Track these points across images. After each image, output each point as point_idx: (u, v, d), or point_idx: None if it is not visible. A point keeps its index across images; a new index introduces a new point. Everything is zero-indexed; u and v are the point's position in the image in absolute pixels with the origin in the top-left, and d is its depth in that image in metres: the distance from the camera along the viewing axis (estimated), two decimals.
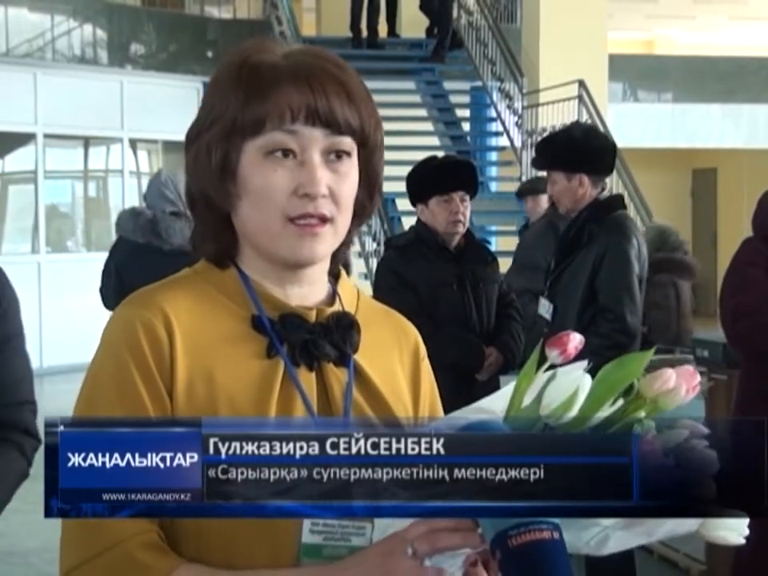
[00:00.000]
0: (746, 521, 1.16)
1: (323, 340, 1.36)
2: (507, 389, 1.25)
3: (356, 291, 1.47)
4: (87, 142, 12.92)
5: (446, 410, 1.37)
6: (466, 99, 12.27)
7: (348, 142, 1.34)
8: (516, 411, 1.20)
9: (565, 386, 1.15)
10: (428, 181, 4.23)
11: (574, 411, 1.14)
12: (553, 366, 1.23)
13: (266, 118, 1.30)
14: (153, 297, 1.33)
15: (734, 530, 1.17)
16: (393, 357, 1.46)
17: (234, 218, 1.36)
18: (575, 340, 1.22)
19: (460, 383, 3.80)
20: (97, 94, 12.28)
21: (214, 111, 1.34)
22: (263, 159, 1.32)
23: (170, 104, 12.36)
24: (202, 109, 1.37)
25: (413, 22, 12.85)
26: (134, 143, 13.06)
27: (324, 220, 1.32)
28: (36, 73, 11.94)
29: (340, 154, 1.33)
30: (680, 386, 1.17)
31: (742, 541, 1.17)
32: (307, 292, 1.39)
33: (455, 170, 4.23)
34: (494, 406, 1.26)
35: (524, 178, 10.99)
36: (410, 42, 13.01)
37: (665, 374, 1.17)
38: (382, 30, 12.52)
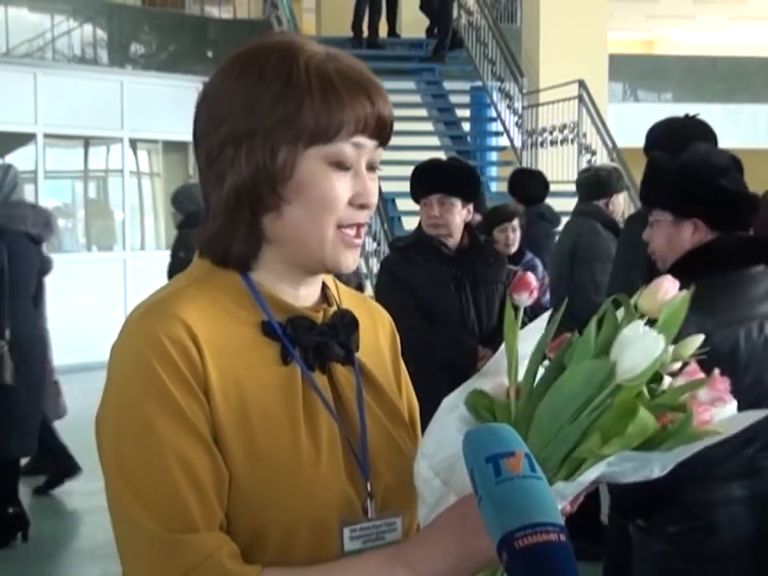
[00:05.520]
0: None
1: (332, 341, 1.36)
2: (500, 351, 1.32)
3: (333, 280, 1.47)
4: (87, 142, 12.93)
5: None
6: (466, 99, 12.28)
7: (381, 153, 1.36)
8: (515, 362, 1.27)
9: (645, 353, 1.20)
10: (412, 183, 4.34)
11: (649, 375, 1.21)
12: (526, 312, 1.31)
13: (343, 127, 1.29)
14: (167, 308, 1.29)
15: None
16: (378, 344, 1.48)
17: (272, 220, 1.32)
18: (533, 278, 1.32)
19: (455, 384, 3.80)
20: (97, 94, 12.28)
21: (277, 111, 1.29)
22: (327, 167, 1.30)
23: (170, 104, 12.36)
24: (249, 103, 1.30)
25: (413, 22, 12.86)
26: (134, 143, 13.07)
27: (363, 227, 1.34)
28: (36, 73, 11.95)
29: (373, 164, 1.35)
30: (676, 290, 1.26)
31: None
32: (313, 290, 1.40)
33: (433, 173, 4.27)
34: (497, 367, 1.33)
35: None
36: (409, 42, 13.03)
37: (660, 286, 1.26)
38: (382, 29, 12.54)
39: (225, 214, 1.33)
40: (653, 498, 2.40)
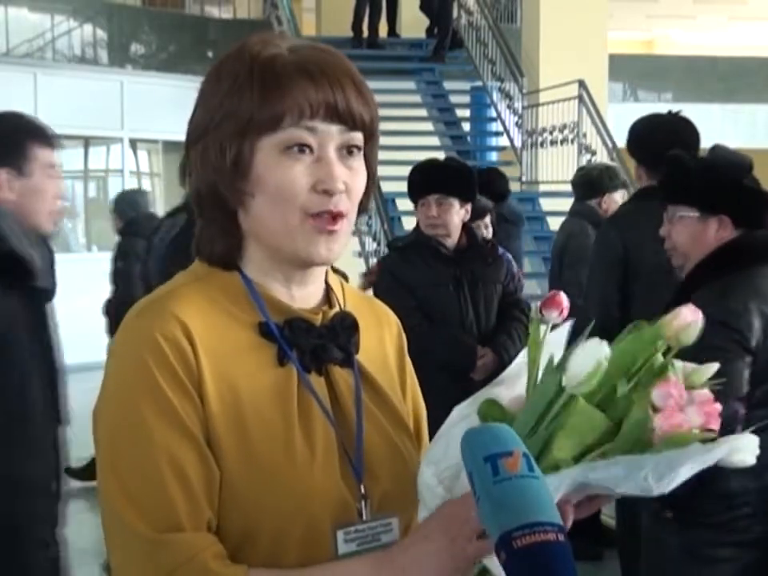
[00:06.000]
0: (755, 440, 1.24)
1: (331, 344, 1.35)
2: (519, 361, 1.30)
3: (340, 282, 1.46)
4: (87, 142, 12.93)
5: (439, 410, 1.37)
6: (466, 99, 12.27)
7: (359, 137, 1.33)
8: (535, 375, 1.26)
9: (589, 358, 1.20)
10: (410, 184, 4.33)
11: (597, 379, 1.20)
12: (554, 327, 1.30)
13: (285, 115, 1.28)
14: (165, 306, 1.29)
15: (747, 451, 1.23)
16: (383, 347, 1.47)
17: (244, 216, 1.33)
18: (565, 298, 1.31)
19: (454, 383, 3.79)
20: (97, 93, 12.28)
21: (223, 107, 1.30)
22: (280, 155, 1.29)
23: (170, 104, 12.35)
24: (205, 105, 1.33)
25: (413, 22, 12.86)
26: (134, 143, 13.08)
27: (340, 216, 1.31)
28: (36, 73, 11.95)
29: (352, 149, 1.32)
30: (695, 319, 1.26)
31: (753, 461, 1.24)
32: (311, 291, 1.38)
33: (431, 173, 4.26)
34: (514, 378, 1.31)
35: (524, 178, 11.01)
36: (409, 42, 13.02)
37: (680, 313, 1.26)
38: (382, 29, 12.53)
39: (199, 216, 1.36)
40: (692, 488, 2.42)
